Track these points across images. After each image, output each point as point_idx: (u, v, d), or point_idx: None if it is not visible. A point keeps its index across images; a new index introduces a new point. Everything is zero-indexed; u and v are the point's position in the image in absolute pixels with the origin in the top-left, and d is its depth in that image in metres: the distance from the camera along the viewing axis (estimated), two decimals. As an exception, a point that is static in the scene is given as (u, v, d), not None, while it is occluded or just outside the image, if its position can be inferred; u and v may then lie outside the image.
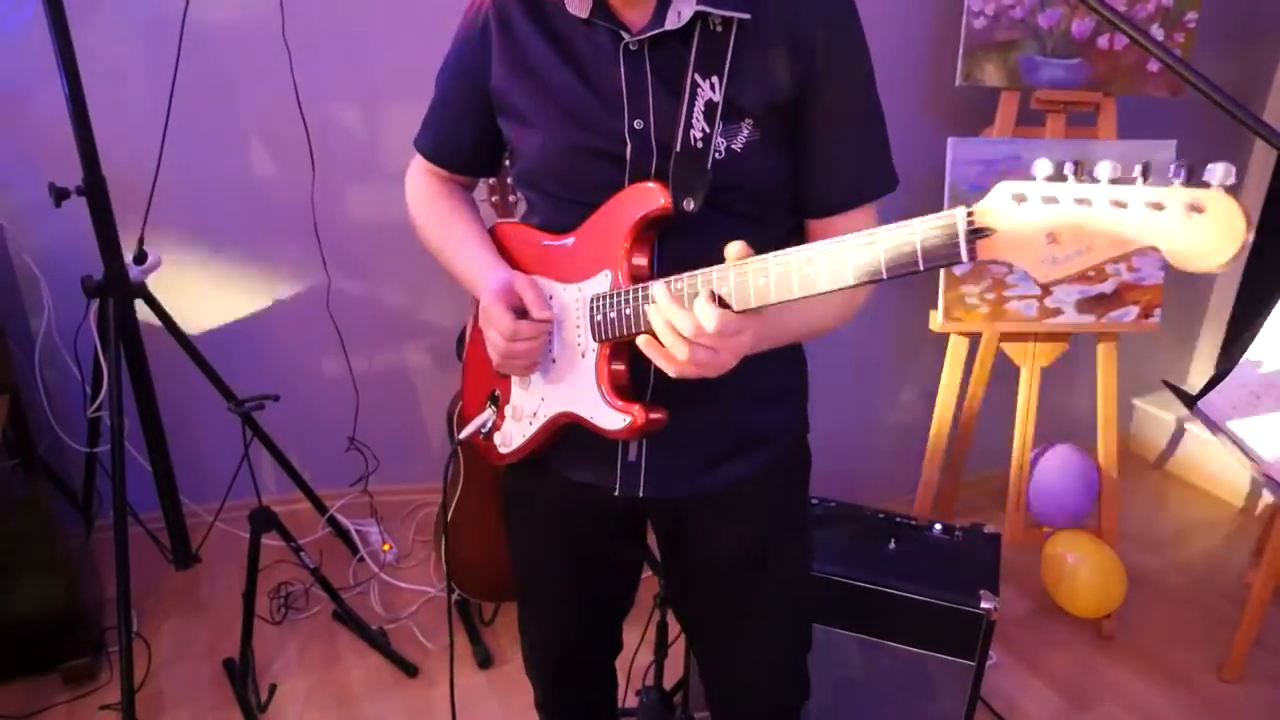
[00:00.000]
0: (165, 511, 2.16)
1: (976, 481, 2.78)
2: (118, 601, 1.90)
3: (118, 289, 1.95)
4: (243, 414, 2.07)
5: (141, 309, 2.02)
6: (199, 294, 2.34)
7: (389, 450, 2.63)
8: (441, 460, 2.26)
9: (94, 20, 1.96)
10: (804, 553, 1.28)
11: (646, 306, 0.94)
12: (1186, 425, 3.01)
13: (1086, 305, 2.15)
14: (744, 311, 0.89)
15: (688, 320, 0.89)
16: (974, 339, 2.39)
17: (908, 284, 2.47)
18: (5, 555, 1.85)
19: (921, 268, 0.78)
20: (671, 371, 0.92)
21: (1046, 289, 2.14)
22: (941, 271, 2.11)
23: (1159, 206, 0.65)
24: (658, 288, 0.92)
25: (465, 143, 1.17)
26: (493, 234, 1.18)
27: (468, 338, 1.25)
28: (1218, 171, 0.63)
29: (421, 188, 1.24)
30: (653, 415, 1.01)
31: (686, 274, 0.92)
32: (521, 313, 1.06)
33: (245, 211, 2.32)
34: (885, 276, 0.80)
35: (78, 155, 1.83)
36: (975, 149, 2.06)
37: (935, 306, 2.18)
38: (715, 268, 0.90)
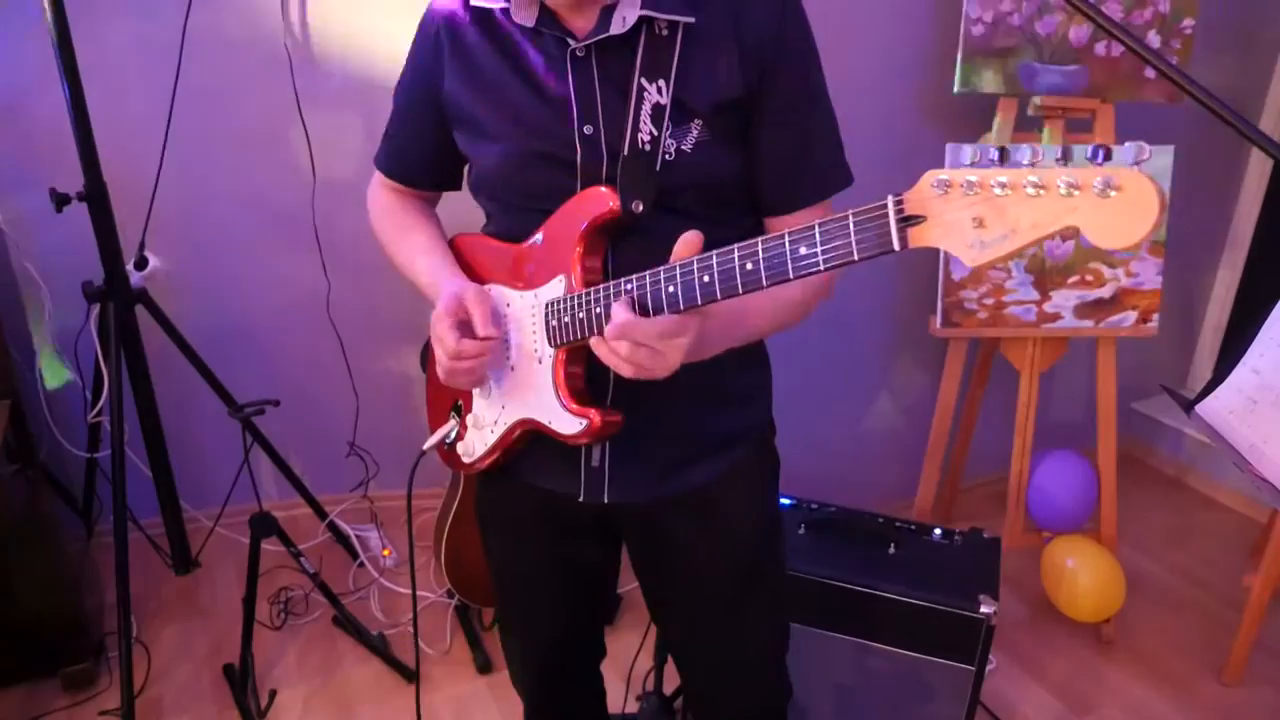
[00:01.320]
0: (165, 517, 2.16)
1: (976, 486, 2.79)
2: (118, 606, 1.91)
3: (118, 294, 1.95)
4: (243, 419, 2.07)
5: (142, 314, 2.03)
6: (199, 299, 2.34)
7: (389, 455, 2.64)
8: (440, 465, 2.26)
9: (95, 27, 1.96)
10: (775, 555, 1.28)
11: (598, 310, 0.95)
12: (1185, 430, 3.01)
13: (1085, 310, 2.16)
14: (688, 310, 0.90)
15: (615, 325, 0.90)
16: (973, 343, 2.40)
17: (906, 289, 2.49)
18: (5, 560, 1.85)
19: (856, 257, 0.80)
20: (623, 372, 0.93)
21: (1045, 295, 2.14)
22: (940, 277, 2.12)
23: (1076, 187, 0.68)
24: (621, 301, 0.92)
25: (423, 158, 1.18)
26: (452, 245, 1.19)
27: (432, 350, 1.26)
28: (1129, 150, 0.67)
29: (382, 203, 1.26)
30: (609, 418, 1.02)
31: (637, 276, 0.92)
32: (471, 326, 1.06)
33: (245, 217, 2.33)
34: (823, 268, 0.82)
35: (79, 161, 1.84)
36: (974, 155, 2.07)
37: (934, 311, 2.19)
38: (664, 267, 0.91)
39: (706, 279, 0.87)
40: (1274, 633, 2.24)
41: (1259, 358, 1.02)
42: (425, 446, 1.20)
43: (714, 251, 0.87)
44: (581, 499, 1.13)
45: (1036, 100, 2.07)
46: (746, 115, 1.02)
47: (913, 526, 1.86)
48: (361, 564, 2.45)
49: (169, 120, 2.03)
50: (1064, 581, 2.24)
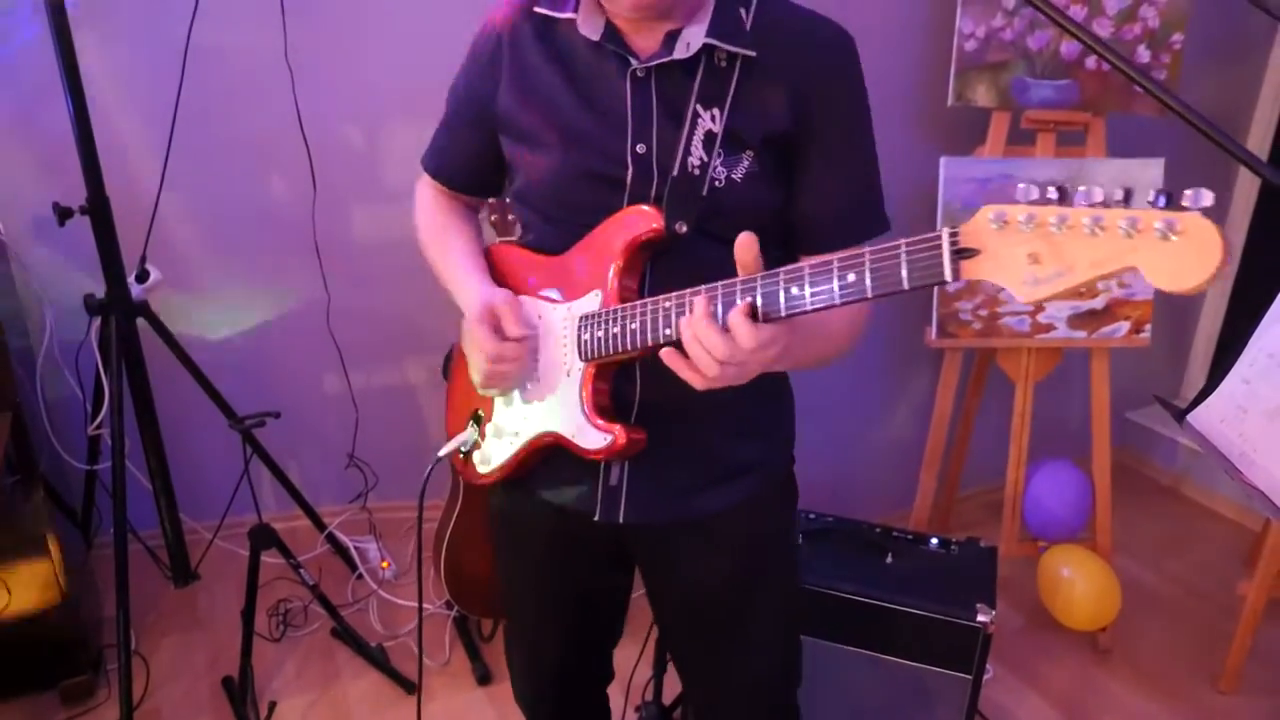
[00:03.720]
0: (165, 529, 2.17)
1: (972, 496, 2.80)
2: (117, 619, 1.91)
3: (120, 307, 1.97)
4: (243, 431, 2.08)
5: (142, 327, 2.04)
6: (200, 312, 2.35)
7: (388, 467, 2.64)
8: (439, 476, 2.27)
9: (98, 41, 1.98)
10: (789, 585, 1.28)
11: (679, 319, 0.93)
12: (1180, 439, 3.03)
13: (1078, 321, 2.18)
14: (777, 321, 0.89)
15: (722, 343, 0.88)
16: (968, 354, 2.41)
17: (901, 301, 2.50)
18: (4, 572, 1.85)
19: (907, 286, 0.79)
20: (697, 385, 0.92)
21: (1039, 305, 2.16)
22: (935, 288, 2.14)
23: (1137, 229, 0.67)
24: (699, 300, 0.91)
25: (469, 162, 1.19)
26: (488, 255, 1.19)
27: (454, 357, 1.26)
28: (1196, 196, 0.66)
29: (426, 202, 1.26)
30: (633, 435, 1.02)
31: (720, 285, 0.91)
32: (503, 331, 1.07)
33: (246, 230, 2.34)
34: (870, 296, 0.82)
35: (82, 174, 1.85)
36: (967, 168, 2.10)
37: (929, 322, 2.21)
38: (739, 279, 0.90)
39: (795, 290, 0.86)
40: (1269, 641, 2.25)
41: (1248, 367, 1.04)
42: (441, 453, 1.20)
43: (786, 266, 0.87)
44: (597, 518, 1.12)
45: (1029, 113, 2.10)
46: (793, 152, 1.03)
47: (909, 536, 1.87)
48: (360, 576, 2.45)
49: (171, 134, 2.04)
50: (1060, 590, 2.25)
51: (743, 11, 1.01)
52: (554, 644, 1.33)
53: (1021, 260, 0.73)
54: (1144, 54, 2.08)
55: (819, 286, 0.85)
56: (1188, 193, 0.66)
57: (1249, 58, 2.75)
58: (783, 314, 0.87)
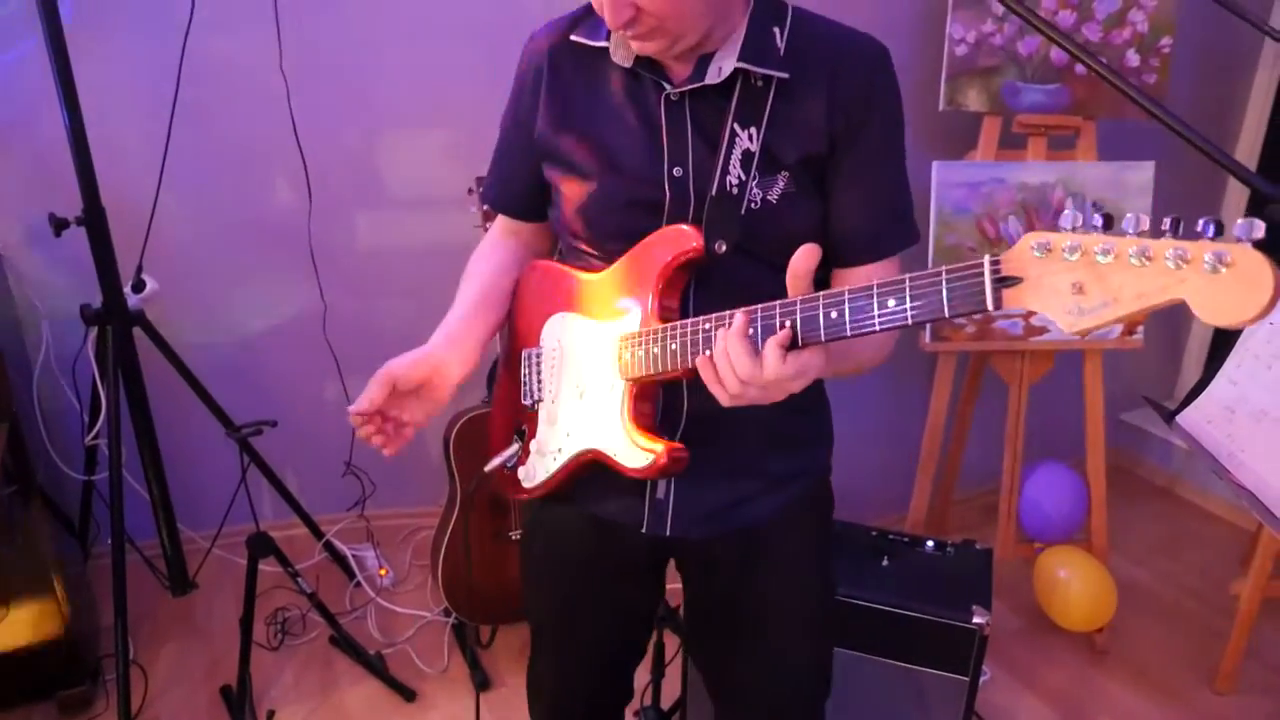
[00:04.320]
0: (162, 538, 2.16)
1: (968, 498, 2.81)
2: (115, 629, 1.91)
3: (116, 317, 1.97)
4: (240, 440, 2.09)
5: (139, 337, 2.04)
6: (197, 321, 2.36)
7: (386, 474, 2.65)
8: (437, 483, 2.28)
9: (94, 51, 1.98)
10: (826, 595, 1.28)
11: (716, 333, 0.93)
12: (1174, 440, 3.04)
13: (1071, 323, 2.19)
14: (809, 346, 0.88)
15: (749, 365, 0.88)
16: (962, 357, 2.42)
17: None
18: (2, 583, 1.85)
19: (947, 314, 0.78)
20: (721, 400, 0.93)
21: (1032, 313, 2.17)
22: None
23: (1185, 260, 0.65)
24: (739, 316, 0.90)
25: (525, 189, 1.18)
26: (531, 271, 1.20)
27: (498, 373, 1.27)
28: (1244, 227, 0.64)
29: (483, 241, 1.27)
30: (676, 454, 1.00)
31: (760, 307, 0.90)
32: (407, 392, 1.11)
33: (242, 239, 2.35)
34: (910, 323, 0.81)
35: (78, 185, 1.86)
36: (959, 172, 2.11)
37: (923, 326, 2.22)
38: (779, 303, 0.89)
39: (834, 315, 0.85)
40: (1265, 641, 2.26)
41: (1236, 369, 1.05)
42: (488, 467, 1.19)
43: (828, 291, 0.87)
44: (644, 530, 1.13)
45: (1020, 118, 2.12)
46: (828, 168, 1.04)
47: (906, 539, 1.88)
48: (358, 583, 2.45)
49: (167, 144, 2.05)
50: (1056, 592, 2.26)
51: (777, 30, 1.02)
52: (585, 661, 1.33)
53: (1065, 290, 0.72)
54: (1133, 58, 2.10)
55: (860, 313, 0.83)
56: (1239, 222, 0.64)
57: (1238, 62, 2.77)
58: (822, 339, 0.87)
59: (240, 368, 2.42)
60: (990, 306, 0.76)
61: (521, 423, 1.19)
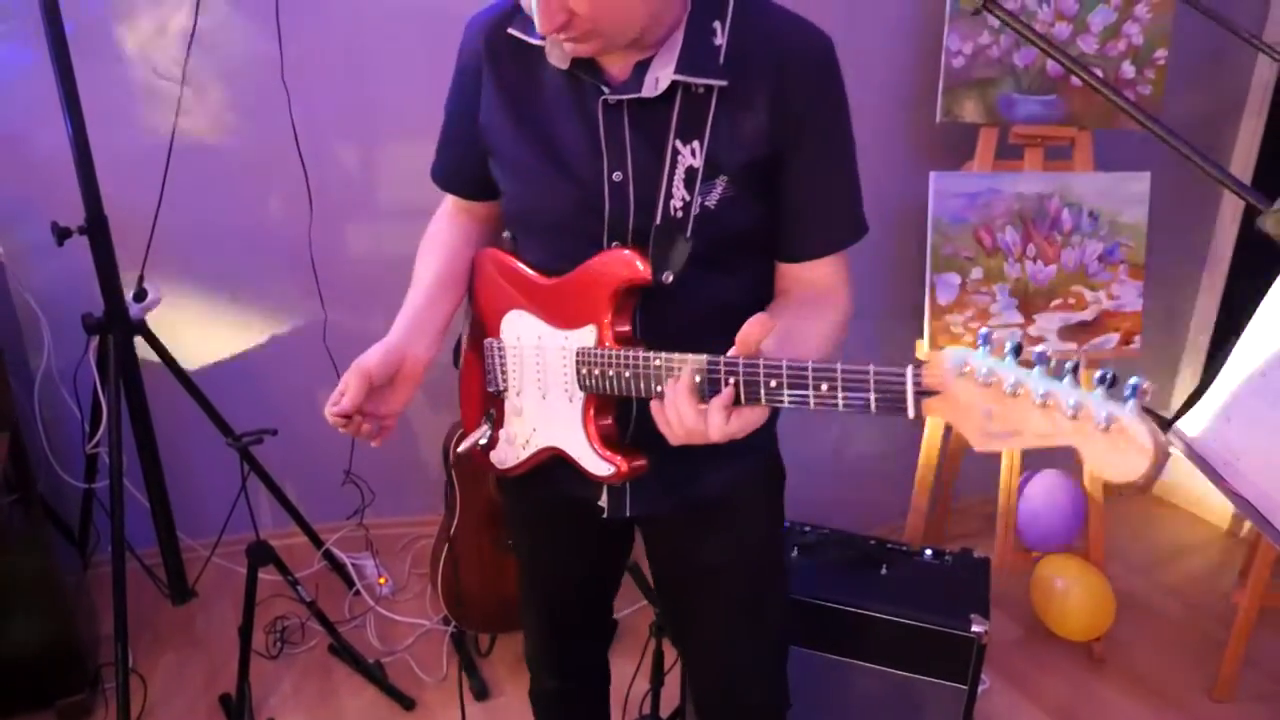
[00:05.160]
0: (162, 546, 2.17)
1: (966, 508, 2.81)
2: (115, 637, 1.91)
3: (118, 326, 1.98)
4: (241, 448, 2.09)
5: (140, 345, 2.05)
6: (198, 330, 2.36)
7: (385, 483, 2.65)
8: (438, 492, 2.28)
9: (97, 62, 2.00)
10: (780, 559, 1.35)
11: (665, 381, 0.95)
12: (1173, 449, 3.04)
13: (1068, 333, 2.20)
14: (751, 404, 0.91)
15: (694, 419, 0.91)
16: (960, 367, 2.43)
17: (893, 314, 2.53)
18: (2, 591, 1.85)
19: (874, 412, 0.83)
20: (671, 441, 0.96)
21: (1030, 319, 2.19)
22: (926, 300, 2.16)
23: (1080, 415, 0.70)
24: (685, 373, 0.92)
25: (471, 170, 1.19)
26: (484, 259, 1.20)
27: (463, 348, 1.28)
28: (1136, 389, 0.69)
29: (434, 221, 1.28)
30: (635, 463, 1.06)
31: (707, 360, 0.92)
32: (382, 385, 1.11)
33: (244, 249, 2.36)
34: (841, 409, 0.86)
35: (80, 194, 1.87)
36: (957, 182, 2.12)
37: (921, 336, 2.23)
38: (724, 359, 0.90)
39: (774, 383, 0.88)
40: (1262, 649, 2.27)
41: (1232, 376, 1.06)
42: (460, 448, 1.23)
43: (777, 360, 0.89)
44: (606, 516, 1.18)
45: (1016, 129, 2.13)
46: (774, 167, 1.03)
47: (904, 548, 1.89)
48: (358, 592, 2.45)
49: (169, 153, 2.06)
50: (1054, 600, 2.27)
51: (718, 26, 1.00)
52: (565, 594, 1.40)
53: (978, 411, 0.76)
54: (1129, 70, 2.12)
55: (796, 389, 0.87)
56: (1132, 380, 0.69)
57: (1233, 73, 2.79)
58: (762, 403, 0.90)
59: (241, 377, 2.42)
60: (910, 414, 0.80)
61: (490, 406, 1.22)
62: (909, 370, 0.80)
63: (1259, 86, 2.80)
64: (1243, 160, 2.86)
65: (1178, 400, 3.27)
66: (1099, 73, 2.09)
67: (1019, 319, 2.19)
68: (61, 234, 1.86)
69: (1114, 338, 2.21)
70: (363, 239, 2.42)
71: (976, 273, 2.14)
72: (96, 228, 1.89)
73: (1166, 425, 1.29)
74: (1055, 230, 2.14)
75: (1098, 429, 0.69)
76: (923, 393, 0.79)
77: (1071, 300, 2.18)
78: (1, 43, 2.06)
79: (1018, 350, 0.75)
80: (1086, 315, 2.20)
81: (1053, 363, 0.73)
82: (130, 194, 2.04)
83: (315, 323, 2.43)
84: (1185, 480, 3.03)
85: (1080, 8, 2.07)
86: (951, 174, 2.15)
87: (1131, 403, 0.69)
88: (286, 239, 2.34)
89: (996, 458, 2.35)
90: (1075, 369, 0.72)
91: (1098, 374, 0.70)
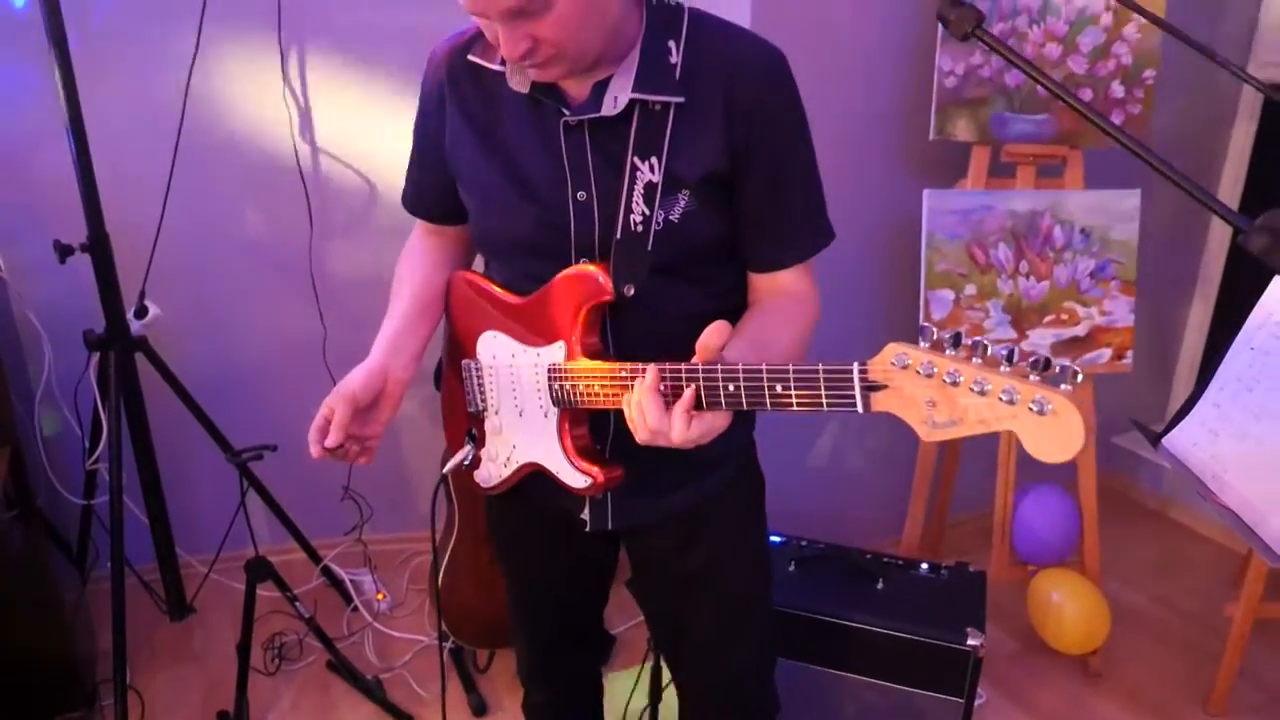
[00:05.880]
0: (161, 562, 2.17)
1: (962, 522, 2.83)
2: (114, 654, 1.91)
3: (119, 343, 1.99)
4: (240, 465, 2.10)
5: (140, 362, 2.06)
6: (198, 347, 2.38)
7: (383, 499, 2.66)
8: (438, 508, 2.29)
9: (100, 80, 2.02)
10: (766, 564, 1.35)
11: (633, 382, 0.97)
12: (1165, 463, 3.06)
13: (1061, 348, 2.23)
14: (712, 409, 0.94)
15: (659, 418, 0.93)
16: (955, 382, 2.45)
17: (886, 327, 2.55)
18: (0, 607, 1.85)
19: (825, 409, 0.87)
20: (639, 440, 0.97)
21: (1023, 334, 2.21)
22: (920, 314, 2.18)
23: (1015, 400, 0.75)
24: (651, 373, 0.95)
25: (440, 195, 1.21)
26: (458, 281, 1.22)
27: (444, 369, 1.30)
28: (1067, 373, 0.73)
29: (408, 247, 1.30)
30: (611, 474, 1.09)
31: (669, 367, 0.94)
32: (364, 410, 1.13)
33: (244, 266, 2.37)
34: (796, 410, 0.89)
35: (82, 211, 1.88)
36: (950, 200, 2.15)
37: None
38: (685, 366, 0.93)
39: (732, 388, 0.91)
40: (1257, 662, 2.27)
41: (1219, 391, 1.08)
42: (445, 469, 1.25)
43: (736, 367, 0.91)
44: (589, 529, 1.20)
45: (1008, 147, 2.16)
46: (735, 179, 1.05)
47: (900, 561, 1.90)
48: (356, 608, 2.45)
49: (171, 171, 2.08)
50: (1050, 614, 2.28)
51: (672, 45, 1.02)
52: (551, 607, 1.42)
53: (921, 402, 0.81)
54: (1118, 89, 2.15)
55: (752, 392, 0.90)
56: (1060, 366, 0.74)
57: (1221, 93, 2.83)
58: (722, 408, 0.93)
59: (240, 393, 2.43)
60: (860, 409, 0.84)
61: (472, 426, 1.24)
62: (855, 366, 0.84)
63: (1250, 92, 2.82)
64: (1232, 176, 2.89)
65: (1172, 412, 3.29)
66: (1089, 93, 2.13)
67: (1012, 334, 2.21)
68: (64, 252, 1.88)
69: (1106, 353, 2.23)
70: (363, 256, 2.44)
71: (970, 289, 2.16)
72: (98, 246, 1.91)
73: (1155, 440, 1.31)
74: (1047, 247, 2.17)
75: (1033, 414, 0.74)
76: (870, 387, 0.83)
77: (1064, 316, 2.21)
78: (6, 61, 2.08)
79: (956, 342, 0.79)
80: (1079, 331, 2.22)
81: (989, 352, 0.77)
82: (132, 211, 2.06)
83: (315, 339, 2.45)
84: (1179, 494, 3.05)
85: (1070, 28, 2.10)
86: (945, 191, 2.17)
87: (1065, 387, 0.73)
88: (287, 256, 2.36)
89: (992, 472, 2.36)
90: (1010, 356, 0.76)
91: (1030, 359, 0.75)
